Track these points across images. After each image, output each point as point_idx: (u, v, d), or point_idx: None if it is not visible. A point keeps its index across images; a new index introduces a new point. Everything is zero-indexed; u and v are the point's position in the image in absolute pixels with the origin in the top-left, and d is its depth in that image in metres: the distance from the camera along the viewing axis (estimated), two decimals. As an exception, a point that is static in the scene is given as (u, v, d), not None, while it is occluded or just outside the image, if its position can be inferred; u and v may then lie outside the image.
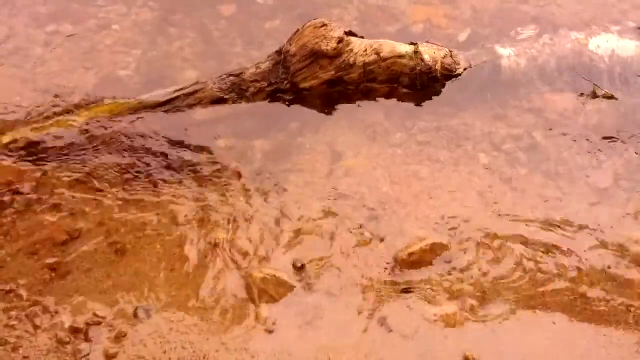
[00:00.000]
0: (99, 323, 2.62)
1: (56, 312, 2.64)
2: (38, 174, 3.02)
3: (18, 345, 2.55)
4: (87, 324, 2.62)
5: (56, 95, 3.37)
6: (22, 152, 3.09)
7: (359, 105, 3.42)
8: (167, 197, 3.03)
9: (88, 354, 2.55)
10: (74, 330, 2.60)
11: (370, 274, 2.84)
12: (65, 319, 2.62)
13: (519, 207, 3.10)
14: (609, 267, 2.91)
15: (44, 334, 2.59)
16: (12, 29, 3.67)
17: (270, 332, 2.65)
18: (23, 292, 2.69)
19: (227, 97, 3.31)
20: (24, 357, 2.53)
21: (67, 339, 2.58)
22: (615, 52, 3.61)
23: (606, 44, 3.63)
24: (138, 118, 3.24)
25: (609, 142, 3.36)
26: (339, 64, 3.33)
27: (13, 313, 2.63)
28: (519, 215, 3.07)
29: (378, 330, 2.68)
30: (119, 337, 2.59)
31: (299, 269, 2.81)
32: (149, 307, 2.67)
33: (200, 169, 3.15)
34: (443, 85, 3.47)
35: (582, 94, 3.52)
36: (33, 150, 3.10)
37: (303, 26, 3.32)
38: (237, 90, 3.32)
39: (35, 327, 2.60)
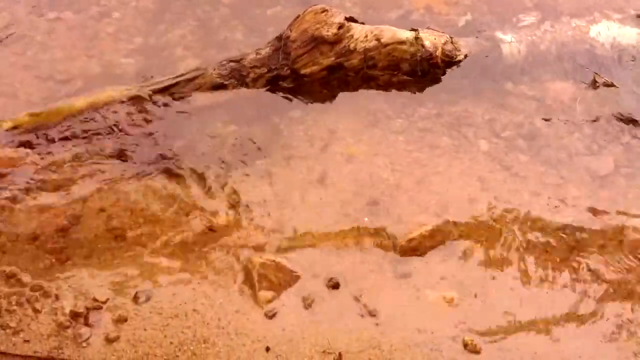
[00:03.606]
0: (99, 308, 2.63)
1: (57, 297, 2.65)
2: (38, 160, 3.03)
3: (19, 330, 2.56)
4: (88, 308, 2.62)
5: (58, 82, 3.38)
6: (23, 139, 3.09)
7: (359, 92, 3.42)
8: (166, 184, 3.03)
9: (89, 338, 2.56)
10: (75, 315, 2.60)
11: (370, 259, 2.84)
12: (66, 304, 2.63)
13: (519, 194, 3.10)
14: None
15: (44, 318, 2.60)
16: (14, 16, 3.67)
17: (270, 317, 2.65)
18: (24, 277, 2.69)
19: (227, 83, 3.31)
20: (25, 341, 2.53)
21: (68, 324, 2.58)
22: (617, 40, 3.60)
23: (607, 32, 3.62)
24: (137, 105, 3.24)
25: (609, 129, 3.35)
26: (340, 50, 3.32)
27: (14, 298, 2.64)
28: (519, 201, 3.07)
29: (378, 315, 2.68)
30: (120, 322, 2.60)
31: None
32: (149, 292, 2.68)
33: (200, 156, 3.14)
34: (444, 72, 3.47)
35: (582, 82, 3.51)
36: (33, 137, 3.11)
37: (304, 12, 3.33)
38: (237, 76, 3.32)
39: (36, 311, 2.61)
